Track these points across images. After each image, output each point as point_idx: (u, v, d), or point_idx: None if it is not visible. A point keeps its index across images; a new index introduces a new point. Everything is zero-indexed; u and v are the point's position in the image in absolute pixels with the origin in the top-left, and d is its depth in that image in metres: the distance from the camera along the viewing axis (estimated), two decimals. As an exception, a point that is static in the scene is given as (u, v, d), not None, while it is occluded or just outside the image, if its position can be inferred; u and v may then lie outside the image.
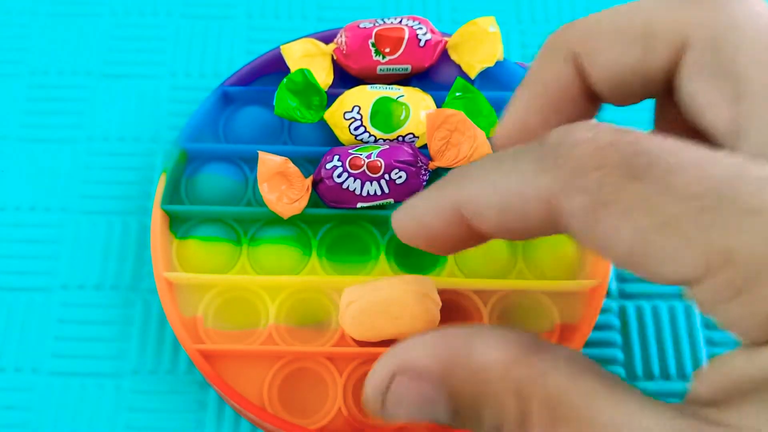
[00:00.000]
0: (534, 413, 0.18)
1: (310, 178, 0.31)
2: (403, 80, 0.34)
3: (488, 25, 0.33)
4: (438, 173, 0.33)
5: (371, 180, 0.30)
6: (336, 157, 0.30)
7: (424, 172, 0.31)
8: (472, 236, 0.23)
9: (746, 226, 0.16)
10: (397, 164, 0.30)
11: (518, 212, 0.21)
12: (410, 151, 0.30)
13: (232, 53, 0.39)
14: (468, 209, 0.22)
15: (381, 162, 0.30)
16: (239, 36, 0.40)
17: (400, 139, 0.32)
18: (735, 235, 0.16)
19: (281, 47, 0.33)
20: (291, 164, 0.31)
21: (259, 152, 0.30)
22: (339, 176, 0.30)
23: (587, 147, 0.19)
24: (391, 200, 0.31)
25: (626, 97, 0.22)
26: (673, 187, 0.17)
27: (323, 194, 0.31)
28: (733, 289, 0.16)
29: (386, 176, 0.30)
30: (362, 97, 0.32)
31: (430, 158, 0.31)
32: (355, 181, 0.30)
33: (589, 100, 0.23)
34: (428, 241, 0.24)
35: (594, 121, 0.21)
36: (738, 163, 0.17)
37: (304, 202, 0.31)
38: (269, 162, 0.30)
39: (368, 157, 0.30)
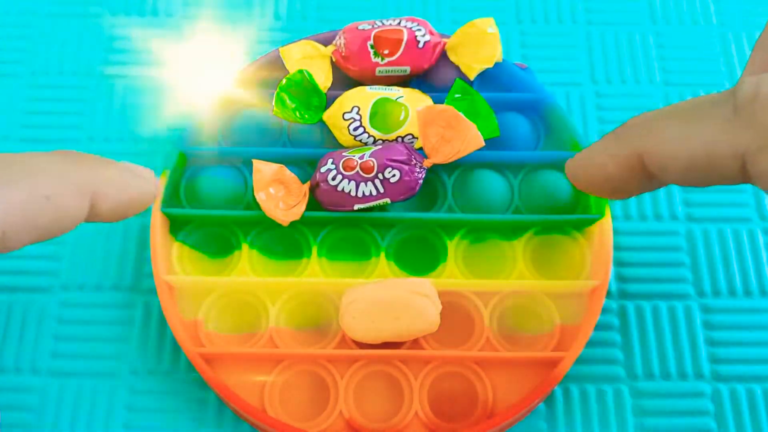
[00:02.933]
0: None
1: (308, 183, 0.31)
2: (402, 82, 0.34)
3: (487, 26, 0.33)
4: (433, 170, 0.33)
5: (365, 180, 0.30)
6: (330, 161, 0.31)
7: (419, 170, 0.30)
8: (650, 182, 0.23)
9: None
10: (390, 163, 0.30)
11: (708, 166, 0.21)
12: (404, 150, 0.30)
13: (232, 54, 0.39)
14: (652, 161, 0.22)
15: (374, 162, 0.30)
16: (239, 37, 0.40)
17: (399, 139, 0.32)
18: None
19: (280, 49, 0.33)
20: (287, 170, 0.31)
21: (254, 161, 0.30)
22: (333, 179, 0.30)
23: None
24: (388, 200, 0.31)
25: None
26: None
27: (320, 198, 0.31)
28: None
29: (380, 176, 0.30)
30: (361, 97, 0.32)
31: (425, 156, 0.31)
32: (349, 182, 0.30)
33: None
34: (603, 187, 0.25)
35: None
36: None
37: (302, 207, 0.31)
38: (265, 170, 0.30)
39: (361, 158, 0.30)
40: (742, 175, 0.20)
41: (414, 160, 0.30)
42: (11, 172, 0.21)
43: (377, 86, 0.33)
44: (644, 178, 0.23)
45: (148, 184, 0.26)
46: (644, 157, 0.23)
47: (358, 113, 0.32)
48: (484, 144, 0.30)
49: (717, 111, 0.21)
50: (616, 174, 0.24)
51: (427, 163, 0.31)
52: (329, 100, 0.33)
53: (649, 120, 0.23)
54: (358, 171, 0.30)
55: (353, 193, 0.30)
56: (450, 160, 0.30)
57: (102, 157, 0.25)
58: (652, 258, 0.35)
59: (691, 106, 0.22)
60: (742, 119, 0.20)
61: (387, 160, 0.30)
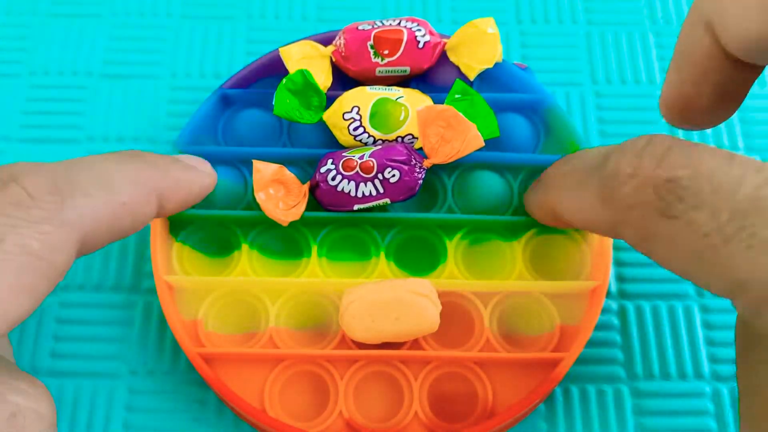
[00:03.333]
0: None
1: (308, 183, 0.31)
2: (402, 82, 0.34)
3: (487, 26, 0.33)
4: (433, 171, 0.33)
5: (365, 180, 0.30)
6: (330, 161, 0.31)
7: (419, 170, 0.30)
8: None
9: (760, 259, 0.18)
10: (390, 163, 0.30)
11: (596, 230, 0.24)
12: (404, 150, 0.30)
13: (232, 54, 0.39)
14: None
15: (373, 162, 0.30)
16: (239, 37, 0.40)
17: (399, 139, 0.32)
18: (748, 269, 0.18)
19: (280, 49, 0.33)
20: (287, 171, 0.31)
21: (254, 161, 0.30)
22: (333, 179, 0.30)
23: (630, 185, 0.21)
24: (388, 200, 0.31)
25: (763, 58, 0.22)
26: (696, 224, 0.19)
27: (320, 198, 0.31)
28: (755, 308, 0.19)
29: (379, 176, 0.30)
30: (361, 97, 0.32)
31: (425, 156, 0.31)
32: (349, 182, 0.30)
33: (735, 65, 0.23)
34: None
35: (660, 137, 0.22)
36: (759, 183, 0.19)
37: (302, 207, 0.31)
38: (264, 170, 0.30)
39: (360, 158, 0.30)
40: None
41: (414, 161, 0.30)
42: (89, 180, 0.21)
43: (377, 86, 0.33)
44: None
45: (206, 177, 0.28)
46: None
47: (358, 113, 0.32)
48: (483, 144, 0.30)
49: (592, 181, 0.23)
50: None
51: (426, 164, 0.31)
52: (329, 100, 0.33)
53: (550, 179, 0.28)
54: (357, 171, 0.30)
55: (353, 193, 0.30)
56: (450, 161, 0.30)
57: (163, 155, 0.27)
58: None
59: (581, 170, 0.25)
60: (605, 195, 0.22)
61: (386, 160, 0.30)
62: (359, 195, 0.30)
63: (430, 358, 0.30)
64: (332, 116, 0.32)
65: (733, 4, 0.22)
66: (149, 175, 0.25)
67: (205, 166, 0.29)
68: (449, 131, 0.30)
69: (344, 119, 0.32)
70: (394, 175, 0.30)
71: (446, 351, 0.31)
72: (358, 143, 0.32)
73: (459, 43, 0.34)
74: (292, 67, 0.33)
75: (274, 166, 0.30)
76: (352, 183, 0.30)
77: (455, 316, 0.31)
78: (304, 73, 0.32)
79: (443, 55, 0.34)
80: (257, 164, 0.30)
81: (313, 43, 0.34)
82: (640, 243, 0.22)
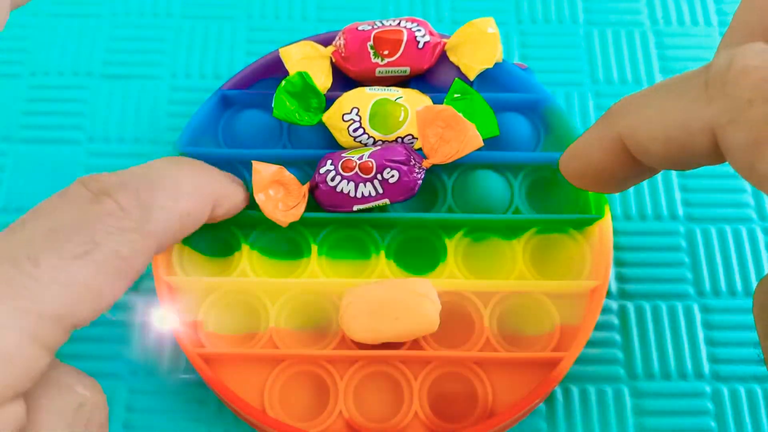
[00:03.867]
0: None
1: (307, 184, 0.31)
2: (402, 82, 0.34)
3: (487, 26, 0.33)
4: (432, 171, 0.33)
5: (364, 181, 0.30)
6: (329, 162, 0.30)
7: (418, 171, 0.30)
8: (636, 169, 0.23)
9: None
10: (389, 163, 0.30)
11: (683, 144, 0.21)
12: (403, 150, 0.30)
13: (232, 54, 0.39)
14: (631, 141, 0.22)
15: (372, 162, 0.30)
16: (239, 37, 0.40)
17: (399, 140, 0.32)
18: None
19: (280, 50, 0.33)
20: (286, 172, 0.31)
21: (253, 162, 0.30)
22: (332, 179, 0.30)
23: (755, 76, 0.19)
24: (387, 201, 0.31)
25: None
26: None
27: (320, 199, 0.31)
28: None
29: (379, 176, 0.30)
30: (361, 98, 0.32)
31: (424, 156, 0.31)
32: (348, 183, 0.30)
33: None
34: (594, 177, 0.24)
35: (762, 46, 0.20)
36: None
37: (302, 208, 0.30)
38: (264, 171, 0.30)
39: (360, 158, 0.30)
40: (715, 152, 0.20)
41: (413, 161, 0.30)
42: (164, 194, 0.24)
43: (377, 87, 0.33)
44: (630, 164, 0.23)
45: (245, 191, 0.30)
46: (625, 140, 0.22)
47: (357, 114, 0.32)
48: (483, 144, 0.30)
49: (690, 85, 0.21)
50: (601, 161, 0.24)
51: (426, 164, 0.31)
52: (328, 102, 0.33)
53: (629, 101, 0.23)
54: (356, 172, 0.30)
55: (352, 194, 0.30)
56: (449, 161, 0.30)
57: (211, 166, 0.29)
58: (652, 258, 0.35)
59: (669, 83, 0.22)
60: (712, 93, 0.19)
61: (386, 160, 0.30)
62: (358, 195, 0.30)
63: (430, 358, 0.30)
64: (332, 117, 0.32)
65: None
66: (208, 188, 0.27)
67: (239, 181, 0.31)
68: (448, 131, 0.30)
69: (344, 120, 0.32)
70: (393, 176, 0.30)
71: (446, 351, 0.31)
72: (358, 144, 0.32)
73: (459, 43, 0.34)
74: (291, 67, 0.33)
75: (274, 167, 0.30)
76: (351, 184, 0.30)
77: (455, 315, 0.31)
78: (302, 76, 0.32)
79: (443, 56, 0.34)
80: (257, 165, 0.30)
81: (312, 44, 0.34)
82: (748, 149, 0.19)
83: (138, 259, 0.22)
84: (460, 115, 0.30)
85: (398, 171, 0.30)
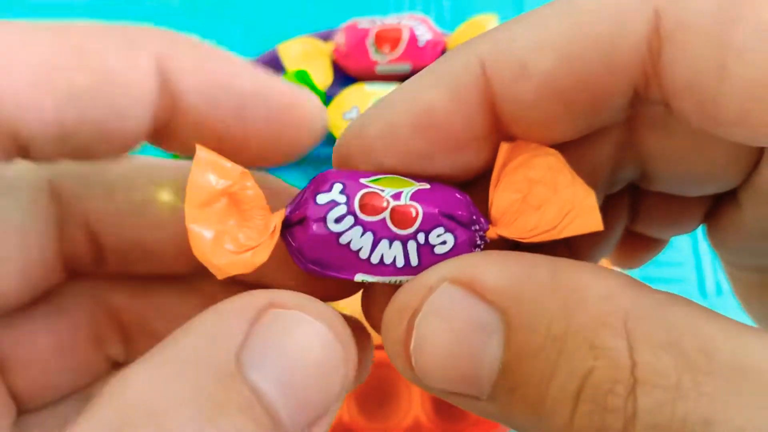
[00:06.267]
0: (656, 362, 0.13)
1: (280, 213, 0.17)
2: (403, 79, 0.34)
3: (489, 23, 0.33)
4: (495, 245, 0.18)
5: (394, 238, 0.17)
6: (338, 187, 0.17)
7: (480, 241, 0.18)
8: (496, 135, 0.16)
9: None
10: (444, 219, 0.17)
11: (604, 52, 0.14)
12: (463, 200, 0.18)
13: (231, 51, 0.39)
14: (501, 63, 0.15)
15: (418, 210, 0.17)
16: (237, 34, 0.39)
17: None
18: None
19: (278, 47, 0.33)
20: (251, 180, 0.17)
21: (197, 147, 0.16)
22: (338, 221, 0.17)
23: None
24: None
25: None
26: None
27: (301, 247, 0.17)
28: None
29: (420, 236, 0.17)
30: (361, 97, 0.32)
31: (489, 221, 0.18)
32: (364, 234, 0.17)
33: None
34: (426, 150, 0.16)
35: None
36: None
37: (264, 254, 0.17)
38: (211, 168, 0.17)
39: (396, 197, 0.17)
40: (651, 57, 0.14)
41: (476, 224, 0.18)
42: None
43: (377, 84, 0.33)
44: (488, 122, 0.16)
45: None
46: (487, 61, 0.16)
47: (357, 113, 0.32)
48: (602, 227, 0.16)
49: None
50: (442, 111, 0.16)
51: (491, 234, 0.18)
52: (328, 99, 0.33)
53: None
54: (386, 219, 0.17)
55: (365, 254, 0.18)
56: (531, 240, 0.17)
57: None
58: (654, 258, 0.35)
59: None
60: None
61: (440, 212, 0.17)
62: (374, 260, 0.18)
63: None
64: (331, 116, 0.32)
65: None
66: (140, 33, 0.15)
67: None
68: (540, 190, 0.18)
69: (344, 119, 0.32)
70: (444, 243, 0.17)
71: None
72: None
73: (461, 40, 0.33)
74: (290, 65, 0.33)
75: (229, 166, 0.17)
76: (369, 236, 0.17)
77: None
78: (300, 74, 0.32)
79: (444, 52, 0.34)
80: (201, 155, 0.16)
81: (312, 40, 0.33)
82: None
83: None
84: (567, 167, 0.17)
85: (455, 236, 0.17)
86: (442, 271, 0.15)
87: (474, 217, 0.18)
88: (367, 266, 0.18)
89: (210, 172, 0.16)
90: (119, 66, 0.14)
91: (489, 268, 0.15)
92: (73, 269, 0.18)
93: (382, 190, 0.17)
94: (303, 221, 0.17)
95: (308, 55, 0.33)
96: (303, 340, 0.15)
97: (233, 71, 0.16)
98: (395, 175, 0.18)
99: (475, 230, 0.18)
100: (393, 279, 0.17)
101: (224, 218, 0.17)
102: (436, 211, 0.17)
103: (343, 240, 0.17)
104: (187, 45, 0.16)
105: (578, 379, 0.13)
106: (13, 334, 0.18)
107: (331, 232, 0.17)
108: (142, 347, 0.15)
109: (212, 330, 0.14)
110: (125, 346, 0.19)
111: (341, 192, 0.17)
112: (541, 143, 0.17)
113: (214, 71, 0.16)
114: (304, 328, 0.15)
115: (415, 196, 0.17)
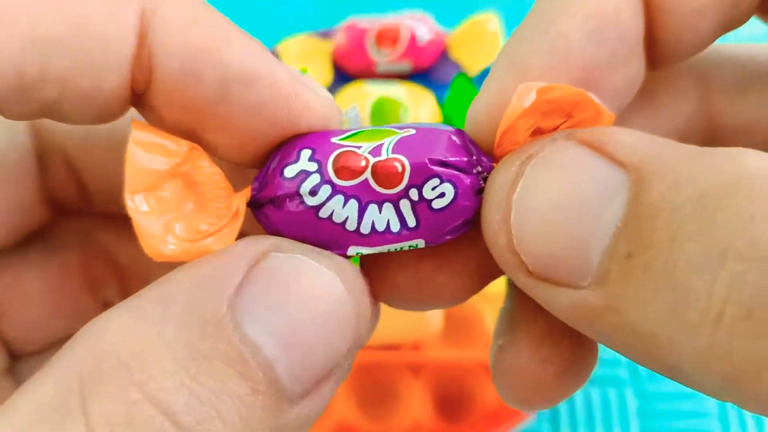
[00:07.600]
0: None
1: (244, 192, 0.15)
2: (403, 78, 0.34)
3: (489, 22, 0.33)
4: None
5: (383, 201, 0.15)
6: (306, 154, 0.15)
7: (481, 182, 0.15)
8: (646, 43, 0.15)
9: None
10: (438, 168, 0.15)
11: None
12: (458, 141, 0.15)
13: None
14: None
15: (403, 162, 0.15)
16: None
17: None
18: None
19: (278, 45, 0.33)
20: (205, 157, 0.15)
21: (132, 124, 0.14)
22: (313, 193, 0.15)
23: None
24: (422, 242, 0.15)
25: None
26: None
27: (279, 229, 0.15)
28: None
29: (413, 193, 0.15)
30: (360, 95, 0.32)
31: (492, 158, 0.15)
32: (347, 203, 0.15)
33: None
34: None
35: None
36: None
37: (227, 239, 0.15)
38: (150, 148, 0.14)
39: (375, 152, 0.15)
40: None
41: (476, 165, 0.15)
42: None
43: (377, 82, 0.33)
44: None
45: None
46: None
47: (357, 112, 0.32)
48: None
49: None
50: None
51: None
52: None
53: None
54: (368, 179, 0.15)
55: (353, 225, 0.15)
56: None
57: None
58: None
59: None
60: None
61: (429, 160, 0.15)
62: (364, 229, 0.15)
63: (431, 358, 0.30)
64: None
65: None
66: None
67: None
68: (551, 119, 0.15)
69: (343, 119, 0.32)
70: (442, 195, 0.15)
71: (447, 351, 0.30)
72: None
73: (461, 40, 0.33)
74: (290, 63, 0.33)
75: (177, 144, 0.14)
76: (354, 204, 0.15)
77: (455, 318, 0.31)
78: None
79: (445, 52, 0.34)
80: (138, 134, 0.14)
81: (312, 39, 0.33)
82: None
83: None
84: (591, 97, 0.15)
85: (455, 185, 0.15)
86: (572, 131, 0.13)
87: (474, 158, 0.15)
88: (358, 238, 0.15)
89: (150, 151, 0.14)
90: (99, 17, 0.13)
91: (624, 133, 0.13)
92: (60, 207, 0.17)
93: (358, 147, 0.15)
94: (273, 200, 0.15)
95: (308, 53, 0.33)
96: (308, 288, 0.13)
97: (224, 39, 0.14)
98: (373, 127, 0.15)
99: (478, 173, 0.15)
100: (393, 247, 0.15)
101: (179, 202, 0.14)
102: (426, 160, 0.15)
103: (323, 213, 0.15)
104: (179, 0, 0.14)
105: (732, 235, 0.11)
106: (1, 276, 0.17)
107: (308, 207, 0.15)
108: None
109: (205, 271, 0.13)
110: (124, 291, 0.18)
111: (311, 159, 0.15)
112: (684, 46, 0.15)
113: (201, 35, 0.13)
114: (310, 275, 0.13)
115: (398, 147, 0.15)
